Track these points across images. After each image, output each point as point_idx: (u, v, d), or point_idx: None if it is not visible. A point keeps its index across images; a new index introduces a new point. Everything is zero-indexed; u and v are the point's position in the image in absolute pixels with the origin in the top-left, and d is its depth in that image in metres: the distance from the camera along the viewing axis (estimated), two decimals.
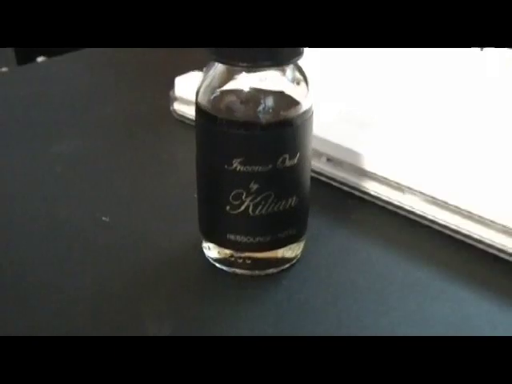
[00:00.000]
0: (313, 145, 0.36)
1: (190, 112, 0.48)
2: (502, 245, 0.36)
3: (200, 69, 0.35)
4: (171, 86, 0.51)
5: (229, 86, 0.33)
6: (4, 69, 0.85)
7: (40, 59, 0.88)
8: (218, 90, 0.33)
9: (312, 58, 0.35)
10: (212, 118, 0.33)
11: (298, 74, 0.34)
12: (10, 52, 0.93)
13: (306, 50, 0.33)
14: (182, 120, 0.50)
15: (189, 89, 0.47)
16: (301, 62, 0.34)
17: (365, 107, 0.45)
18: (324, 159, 0.43)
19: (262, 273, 0.36)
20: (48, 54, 0.80)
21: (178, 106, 0.51)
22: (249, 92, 0.33)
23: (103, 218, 0.40)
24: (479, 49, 0.53)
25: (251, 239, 0.34)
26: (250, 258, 0.35)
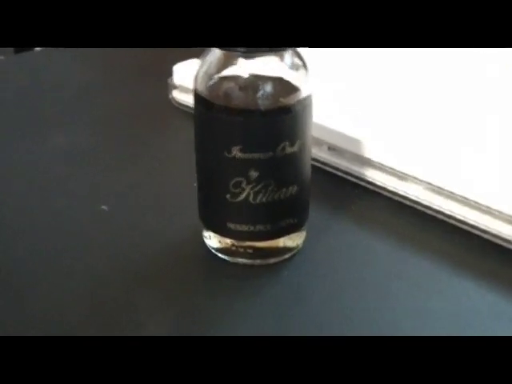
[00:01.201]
0: (314, 133, 0.35)
1: (188, 100, 0.48)
2: (509, 235, 0.36)
3: (198, 57, 0.35)
4: (170, 73, 0.50)
5: (227, 72, 0.33)
6: (1, 57, 0.84)
7: (37, 48, 0.87)
8: (216, 77, 0.33)
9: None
10: (210, 105, 0.33)
11: (296, 60, 0.33)
12: None
13: None
14: (180, 108, 0.50)
15: (187, 76, 0.46)
16: (301, 48, 0.33)
17: (367, 95, 0.45)
18: (325, 148, 0.42)
19: (263, 262, 0.35)
20: (47, 47, 0.79)
21: (176, 94, 0.50)
22: (247, 78, 0.32)
23: (102, 207, 0.39)
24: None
25: (252, 228, 0.34)
26: (250, 247, 0.35)
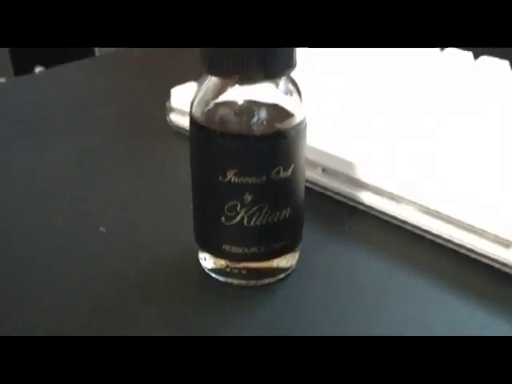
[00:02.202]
0: (308, 155, 0.36)
1: (185, 123, 0.48)
2: (494, 254, 0.36)
3: (197, 79, 0.35)
4: (167, 96, 0.51)
5: (222, 98, 0.33)
6: (1, 79, 0.85)
7: (38, 70, 0.88)
8: (212, 103, 0.34)
9: (305, 68, 0.35)
10: (206, 131, 0.33)
11: (290, 86, 0.34)
12: (7, 62, 0.94)
13: (299, 62, 0.34)
14: (178, 131, 0.51)
15: (185, 100, 0.47)
16: (293, 73, 0.34)
17: (360, 118, 0.45)
18: (319, 170, 0.43)
19: (258, 283, 0.36)
20: (46, 65, 0.80)
21: (174, 117, 0.51)
22: (242, 104, 0.33)
23: (100, 229, 0.40)
24: (472, 57, 0.53)
25: (246, 250, 0.34)
26: (245, 268, 0.35)
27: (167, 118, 0.52)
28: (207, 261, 0.36)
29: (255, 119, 0.33)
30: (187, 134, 0.35)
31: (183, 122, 0.49)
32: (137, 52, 0.66)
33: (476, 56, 0.53)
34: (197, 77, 0.35)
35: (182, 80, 0.51)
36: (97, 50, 1.00)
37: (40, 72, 0.85)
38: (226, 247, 0.35)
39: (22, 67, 0.88)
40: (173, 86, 0.51)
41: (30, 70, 0.86)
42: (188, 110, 0.35)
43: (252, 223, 0.34)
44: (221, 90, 0.33)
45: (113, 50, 0.70)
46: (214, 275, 0.36)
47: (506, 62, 0.51)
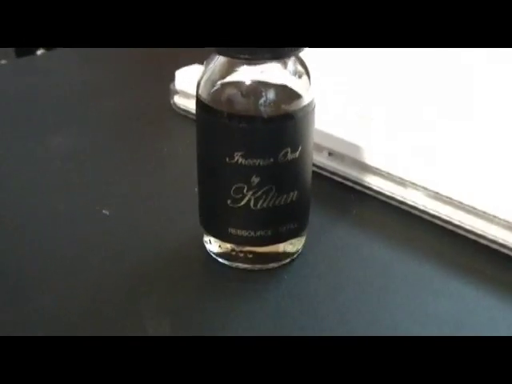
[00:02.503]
0: (315, 139, 0.35)
1: (190, 105, 0.48)
2: (505, 240, 0.36)
3: (201, 62, 0.35)
4: (172, 79, 0.50)
5: (229, 78, 0.33)
6: (3, 61, 0.84)
7: (39, 52, 0.87)
8: (219, 83, 0.33)
9: (314, 51, 0.35)
10: (213, 112, 0.33)
11: (299, 67, 0.33)
12: None
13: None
14: (182, 113, 0.50)
15: (189, 82, 0.47)
16: (302, 54, 0.33)
17: (367, 101, 0.45)
18: (326, 153, 0.42)
19: (264, 267, 0.35)
20: (47, 48, 0.80)
21: (178, 100, 0.50)
22: (250, 85, 0.33)
23: (103, 211, 0.40)
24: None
25: (252, 233, 0.34)
26: (251, 252, 0.35)
27: (171, 101, 0.51)
28: (212, 244, 0.36)
29: (262, 100, 0.32)
30: (191, 116, 0.35)
31: (188, 104, 0.49)
32: None
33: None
34: (202, 59, 0.34)
35: (186, 63, 0.51)
36: None
37: (42, 54, 0.84)
38: (232, 230, 0.34)
39: (23, 49, 0.87)
40: (175, 69, 0.50)
41: (32, 51, 0.86)
42: (193, 92, 0.34)
43: (259, 206, 0.33)
44: (228, 70, 0.33)
45: None
46: (219, 259, 0.36)
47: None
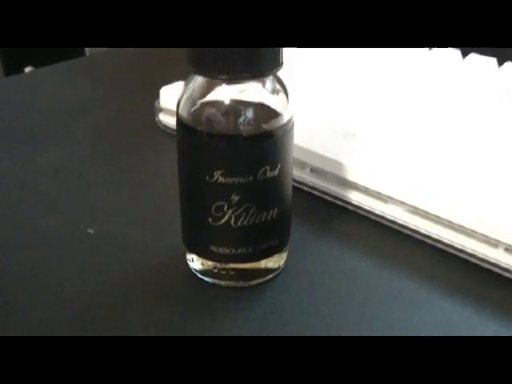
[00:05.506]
0: (296, 155, 0.36)
1: (174, 122, 0.48)
2: (484, 254, 0.36)
3: (185, 79, 0.35)
4: (157, 96, 0.51)
5: (209, 97, 0.33)
6: None
7: (27, 69, 0.88)
8: (199, 102, 0.33)
9: (295, 67, 0.35)
10: (193, 131, 0.33)
11: (277, 86, 0.34)
12: None
13: (286, 61, 0.33)
14: (166, 130, 0.50)
15: (173, 100, 0.47)
16: (282, 72, 0.34)
17: (348, 117, 0.45)
18: (308, 170, 0.43)
19: (246, 284, 0.36)
20: (35, 65, 0.80)
21: (163, 117, 0.51)
22: (229, 104, 0.33)
23: (88, 230, 0.40)
24: (460, 57, 0.53)
25: (233, 251, 0.34)
26: (233, 269, 0.35)
27: (156, 118, 0.51)
28: (195, 262, 0.36)
29: (242, 119, 0.33)
30: (175, 133, 0.35)
31: (172, 121, 0.49)
32: (126, 52, 0.66)
33: (464, 54, 0.53)
34: (186, 76, 0.35)
35: (171, 79, 0.51)
36: (87, 49, 1.00)
37: (30, 72, 0.84)
38: (214, 248, 0.34)
39: (11, 67, 0.88)
40: (162, 86, 0.51)
41: (20, 69, 0.86)
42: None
43: (239, 223, 0.33)
44: (207, 89, 0.33)
45: (103, 49, 0.70)
46: (201, 276, 0.36)
47: (493, 60, 0.51)
